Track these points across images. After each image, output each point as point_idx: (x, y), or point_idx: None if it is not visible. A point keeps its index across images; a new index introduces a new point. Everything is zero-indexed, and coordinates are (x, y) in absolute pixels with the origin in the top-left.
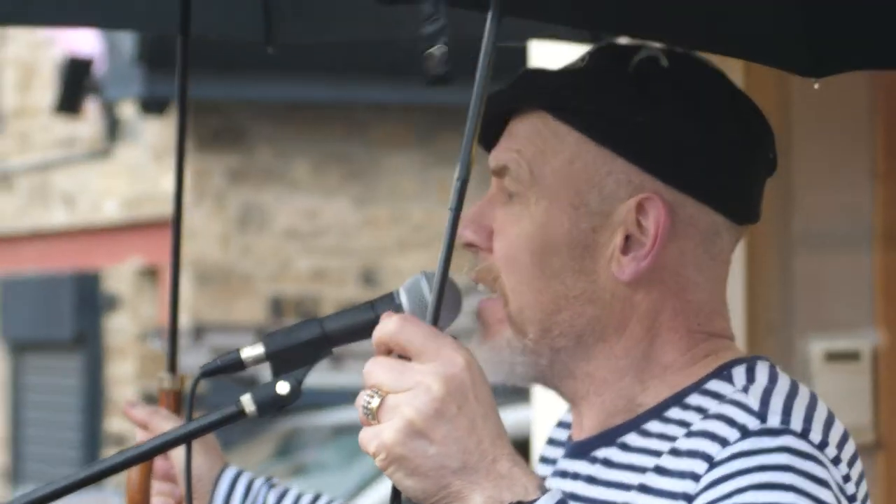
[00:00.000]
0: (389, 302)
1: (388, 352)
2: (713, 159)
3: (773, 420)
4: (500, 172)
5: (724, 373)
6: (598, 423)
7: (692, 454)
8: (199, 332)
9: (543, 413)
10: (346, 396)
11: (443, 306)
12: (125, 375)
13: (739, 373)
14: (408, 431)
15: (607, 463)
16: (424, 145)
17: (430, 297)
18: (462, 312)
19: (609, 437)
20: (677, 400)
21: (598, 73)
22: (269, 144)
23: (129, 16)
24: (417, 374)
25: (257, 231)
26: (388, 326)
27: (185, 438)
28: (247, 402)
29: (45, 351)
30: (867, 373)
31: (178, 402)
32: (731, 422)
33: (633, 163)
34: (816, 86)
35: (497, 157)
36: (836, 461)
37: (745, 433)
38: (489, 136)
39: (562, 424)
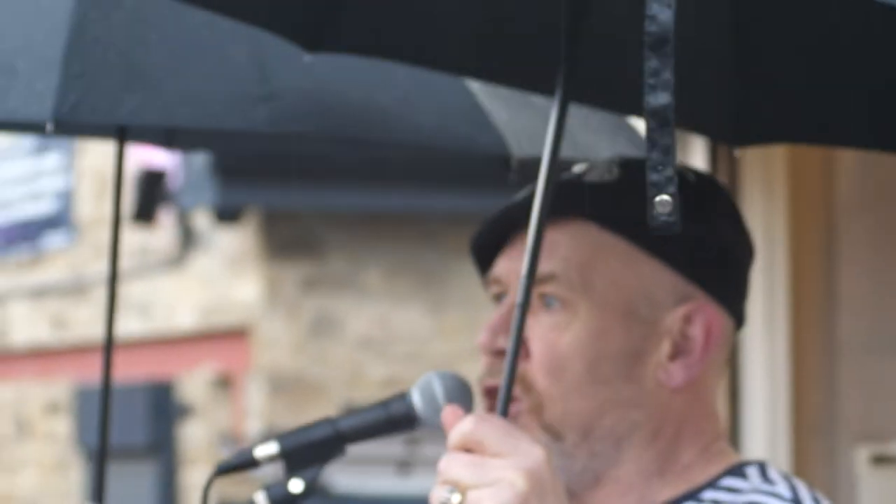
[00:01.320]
0: (401, 401)
1: (465, 450)
2: (741, 272)
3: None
4: (542, 280)
5: (736, 471)
6: None
7: None
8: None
9: None
10: (414, 503)
11: (454, 404)
12: (200, 483)
13: (753, 471)
14: None
15: None
16: None
17: (441, 395)
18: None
19: None
20: (692, 495)
21: (637, 185)
22: (342, 252)
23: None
24: (499, 469)
25: (330, 339)
26: (464, 426)
27: None
28: (260, 500)
29: (120, 459)
30: None
31: None
32: None
33: (680, 273)
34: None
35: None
36: None
37: None
38: (492, 249)
39: None
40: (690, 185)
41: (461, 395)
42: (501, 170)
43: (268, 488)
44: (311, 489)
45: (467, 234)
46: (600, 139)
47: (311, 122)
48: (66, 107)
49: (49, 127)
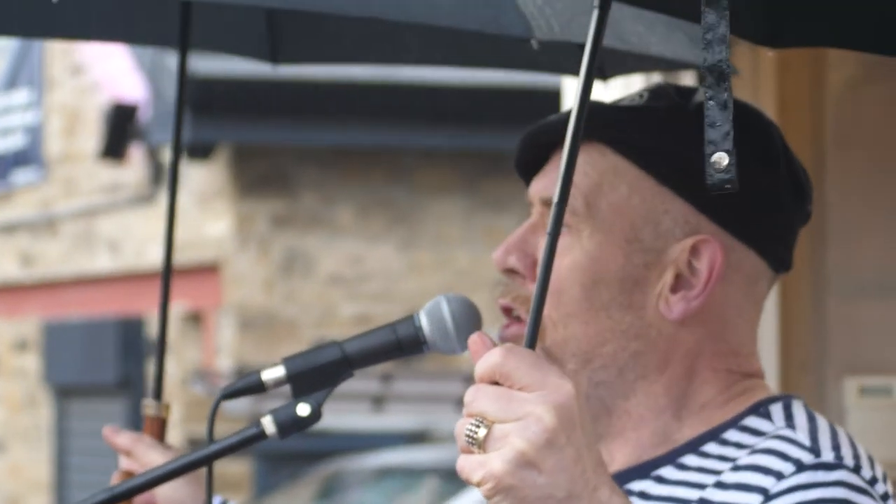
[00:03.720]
0: (410, 324)
1: (493, 383)
2: (765, 207)
3: (827, 455)
4: (551, 202)
5: (760, 410)
6: (632, 457)
7: (743, 487)
8: (242, 376)
9: None
10: (388, 439)
11: (463, 328)
12: (169, 420)
13: (777, 411)
14: (519, 462)
15: (644, 496)
16: (469, 191)
17: (449, 318)
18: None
19: (643, 470)
20: (714, 435)
21: (660, 112)
22: (313, 190)
23: (128, 29)
24: (527, 403)
25: (301, 276)
26: (492, 357)
27: (208, 460)
28: (267, 423)
29: (89, 396)
30: None
31: (163, 429)
32: (783, 456)
33: (690, 203)
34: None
35: (549, 186)
36: (885, 497)
37: (801, 467)
38: (530, 166)
39: None
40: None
41: (469, 318)
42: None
43: (275, 412)
44: (318, 413)
45: (439, 171)
46: (652, 33)
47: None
48: None
49: None
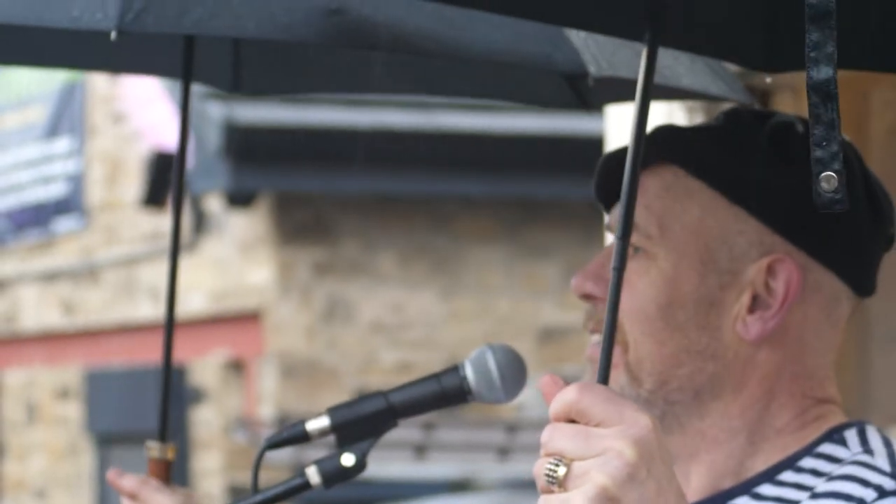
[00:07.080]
0: (455, 374)
1: (568, 421)
2: (842, 228)
3: None
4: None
5: (834, 436)
6: (707, 484)
7: None
8: (284, 423)
9: None
10: (430, 488)
11: (508, 378)
12: (211, 468)
13: (852, 436)
14: (601, 498)
15: None
16: (510, 238)
17: (494, 369)
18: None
19: (719, 500)
20: (789, 464)
21: (735, 133)
22: (355, 237)
23: (132, 62)
24: (605, 439)
25: (343, 324)
26: (567, 395)
27: None
28: (312, 473)
29: (131, 444)
30: None
31: (168, 471)
32: (864, 482)
33: (765, 224)
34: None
35: None
36: None
37: (882, 493)
38: (610, 192)
39: None
40: (795, 136)
41: (515, 368)
42: (575, 90)
43: (319, 462)
44: (363, 463)
45: (480, 219)
46: (679, 64)
47: (378, 35)
48: (130, 14)
49: (113, 35)
